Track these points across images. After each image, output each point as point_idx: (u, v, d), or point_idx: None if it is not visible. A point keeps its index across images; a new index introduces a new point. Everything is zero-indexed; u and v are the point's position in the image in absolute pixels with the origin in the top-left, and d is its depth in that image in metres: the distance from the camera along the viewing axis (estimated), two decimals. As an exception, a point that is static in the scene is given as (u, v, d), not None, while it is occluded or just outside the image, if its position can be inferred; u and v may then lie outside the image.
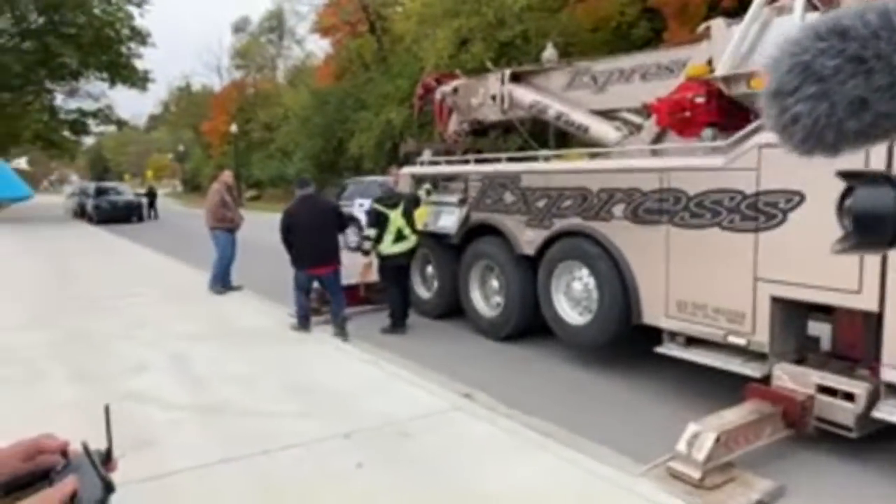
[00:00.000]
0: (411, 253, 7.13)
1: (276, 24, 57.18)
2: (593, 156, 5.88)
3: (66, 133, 28.13)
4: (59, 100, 29.13)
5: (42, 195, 72.10)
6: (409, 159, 9.27)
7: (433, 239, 7.49)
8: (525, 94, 7.06)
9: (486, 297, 7.02)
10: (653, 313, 5.07)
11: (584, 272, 5.68)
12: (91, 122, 28.73)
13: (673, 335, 4.96)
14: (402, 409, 4.51)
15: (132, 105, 71.11)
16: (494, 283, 6.84)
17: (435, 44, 21.84)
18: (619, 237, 5.27)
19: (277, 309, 7.88)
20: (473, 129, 8.06)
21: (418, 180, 7.93)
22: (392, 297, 7.14)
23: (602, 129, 6.27)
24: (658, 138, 5.67)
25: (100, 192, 27.12)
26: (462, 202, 7.13)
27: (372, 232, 6.89)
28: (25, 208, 41.49)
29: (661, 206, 4.91)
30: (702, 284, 4.67)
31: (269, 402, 4.65)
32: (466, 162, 7.28)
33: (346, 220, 6.84)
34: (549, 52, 7.43)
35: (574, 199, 5.65)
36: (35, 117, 25.29)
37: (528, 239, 6.16)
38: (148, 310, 7.92)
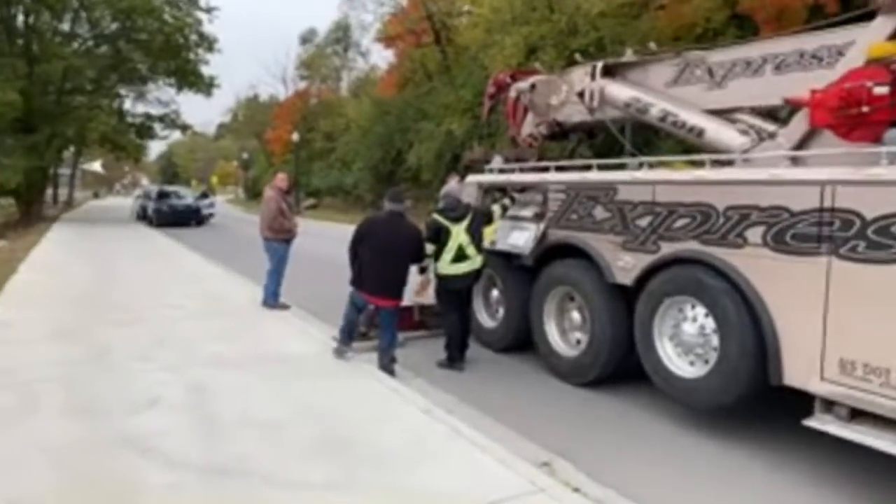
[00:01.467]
0: (475, 276, 6.05)
1: (341, 36, 57.72)
2: (715, 164, 4.67)
3: (133, 136, 28.48)
4: (128, 104, 29.68)
5: (114, 197, 75.09)
6: (472, 168, 8.26)
7: (501, 259, 6.40)
8: (620, 91, 5.92)
9: (563, 332, 5.85)
10: (800, 373, 3.82)
11: (700, 311, 4.46)
12: (157, 126, 29.02)
13: (830, 405, 3.70)
14: (464, 486, 3.43)
15: (203, 113, 73.31)
16: (575, 316, 5.68)
17: (502, 51, 20.84)
18: (755, 269, 4.04)
19: (323, 332, 6.93)
20: (552, 131, 6.95)
21: (486, 190, 6.87)
22: (449, 325, 6.06)
23: (722, 133, 5.06)
24: (803, 143, 4.43)
25: (161, 195, 27.25)
26: (538, 217, 6.03)
27: (429, 247, 5.84)
28: (96, 209, 42.83)
29: (820, 232, 3.67)
30: (883, 340, 3.40)
31: (296, 463, 3.64)
32: (546, 169, 6.17)
33: (424, 252, 5.83)
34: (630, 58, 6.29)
35: (691, 218, 4.45)
36: (103, 120, 25.65)
37: (625, 265, 4.99)
38: (181, 324, 7.12)
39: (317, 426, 4.22)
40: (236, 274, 11.52)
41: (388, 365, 5.67)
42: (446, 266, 5.83)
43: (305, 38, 59.84)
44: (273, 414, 4.40)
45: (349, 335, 6.00)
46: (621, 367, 5.36)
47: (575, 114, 6.66)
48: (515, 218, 6.29)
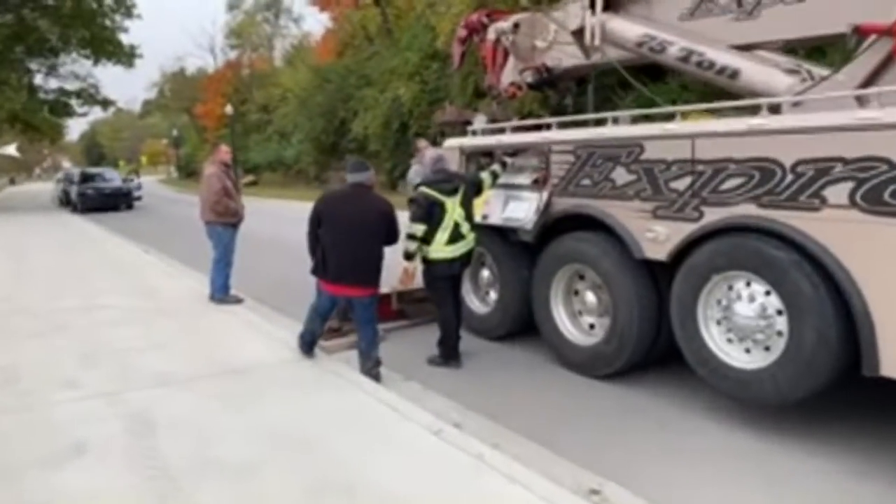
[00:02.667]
0: (469, 257, 5.16)
1: (271, 2, 54.79)
2: (761, 110, 3.87)
3: (47, 114, 25.89)
4: (39, 79, 26.94)
5: (33, 183, 70.05)
6: (443, 132, 7.33)
7: (492, 234, 5.53)
8: (627, 28, 5.04)
9: (573, 317, 5.05)
10: (903, 362, 3.12)
11: (759, 289, 3.70)
12: (74, 102, 26.50)
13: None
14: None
15: (126, 89, 68.75)
16: (590, 299, 4.87)
17: (450, 9, 19.62)
18: (838, 236, 3.29)
19: (286, 329, 5.92)
20: (539, 79, 6.03)
21: (469, 156, 5.94)
22: (445, 318, 5.15)
23: (762, 73, 4.28)
24: (870, 80, 3.69)
25: (85, 178, 24.93)
26: (538, 184, 5.16)
27: (419, 228, 4.87)
28: (12, 197, 39.50)
29: (934, 187, 2.93)
30: None
31: (281, 532, 2.71)
32: (545, 127, 5.28)
33: (398, 231, 4.82)
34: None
35: (746, 177, 3.66)
36: (9, 96, 23.08)
37: (656, 237, 4.18)
38: (113, 331, 5.96)
39: (302, 468, 3.27)
40: (176, 263, 10.28)
41: (372, 369, 4.74)
42: (441, 248, 4.89)
43: (232, 5, 56.55)
44: (242, 453, 3.42)
45: (309, 345, 5.08)
46: (647, 356, 4.62)
47: (565, 57, 5.79)
48: (509, 186, 5.40)
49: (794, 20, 4.23)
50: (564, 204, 4.86)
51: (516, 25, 5.96)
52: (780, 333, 3.61)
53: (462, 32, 6.66)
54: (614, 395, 4.51)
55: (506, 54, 6.23)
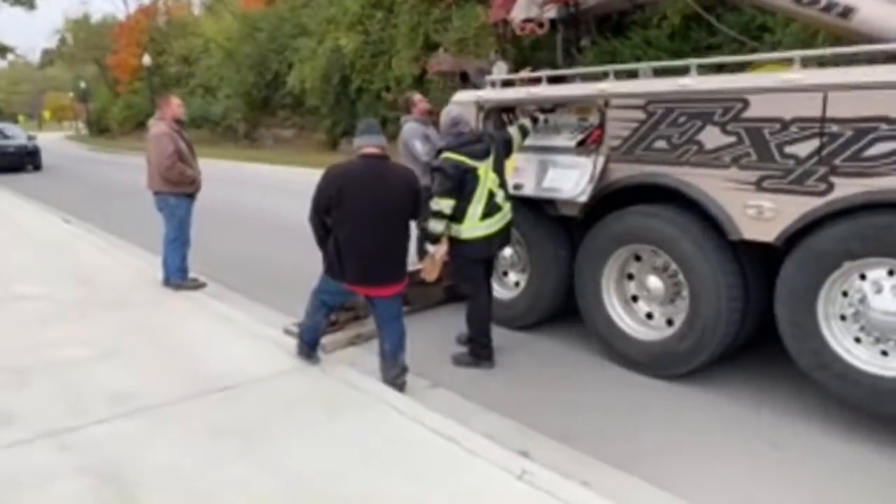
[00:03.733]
0: (507, 233, 4.25)
1: (187, -58, 50.33)
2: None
3: (-69, 61, 22.64)
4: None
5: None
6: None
7: (521, 206, 4.61)
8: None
9: (626, 304, 4.27)
10: None
11: (909, 280, 3.02)
12: (-36, 48, 23.25)
13: None
14: None
15: (23, 38, 62.12)
16: (654, 284, 4.08)
17: (399, -49, 18.08)
18: None
19: (264, 321, 4.89)
20: (565, 14, 5.13)
21: (488, 113, 4.97)
22: (476, 308, 4.24)
23: (888, 12, 3.50)
24: None
25: (-17, 135, 22.09)
26: (586, 145, 4.29)
27: (448, 204, 3.90)
28: None
29: None
30: None
31: None
32: (599, 77, 4.37)
33: (423, 205, 3.89)
34: None
35: (904, 141, 2.91)
36: None
37: (761, 213, 3.40)
38: (47, 333, 4.71)
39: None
40: (109, 236, 8.84)
41: (397, 378, 3.83)
42: (476, 225, 3.95)
43: (143, -56, 51.48)
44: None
45: (311, 345, 4.09)
46: (725, 353, 3.92)
47: None
48: (544, 149, 4.50)
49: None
50: (627, 171, 4.01)
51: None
52: (935, 335, 2.95)
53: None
54: (696, 400, 3.78)
55: (521, -16, 5.27)
